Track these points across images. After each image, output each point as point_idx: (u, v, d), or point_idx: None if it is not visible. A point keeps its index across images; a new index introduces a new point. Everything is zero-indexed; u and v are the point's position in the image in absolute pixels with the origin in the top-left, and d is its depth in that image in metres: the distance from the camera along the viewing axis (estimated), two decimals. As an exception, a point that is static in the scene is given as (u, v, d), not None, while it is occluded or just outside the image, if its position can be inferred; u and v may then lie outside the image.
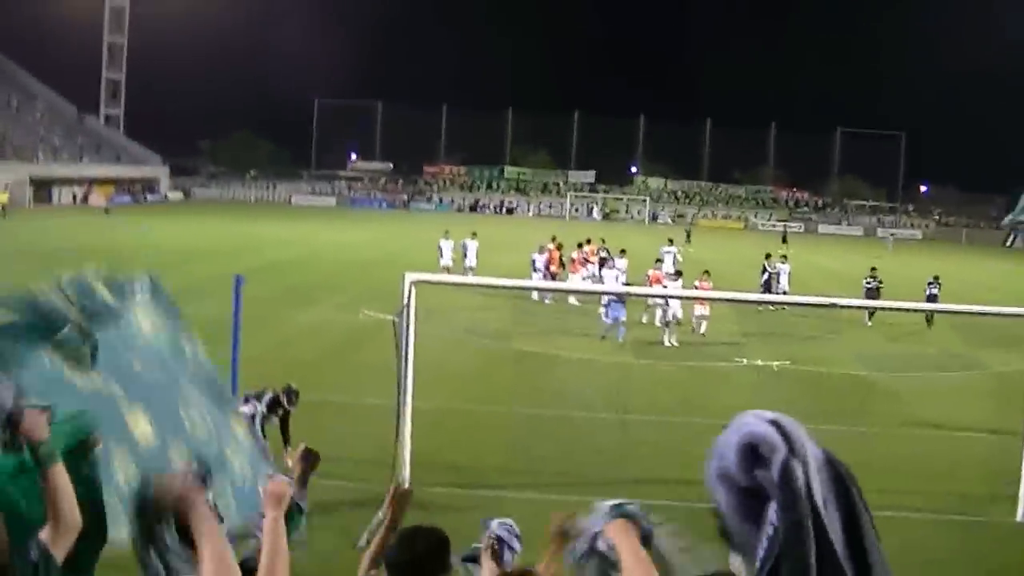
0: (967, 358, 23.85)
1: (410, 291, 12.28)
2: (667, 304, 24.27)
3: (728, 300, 24.29)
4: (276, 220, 66.50)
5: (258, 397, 12.08)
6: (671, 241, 35.54)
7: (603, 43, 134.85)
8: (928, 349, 25.45)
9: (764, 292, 30.17)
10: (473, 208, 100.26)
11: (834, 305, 26.10)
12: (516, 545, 4.36)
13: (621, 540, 2.83)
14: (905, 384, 20.59)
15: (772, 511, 1.85)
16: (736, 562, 2.13)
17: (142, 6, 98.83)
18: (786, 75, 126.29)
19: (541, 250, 32.69)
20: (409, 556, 3.85)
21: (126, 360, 3.97)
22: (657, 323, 25.65)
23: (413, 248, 44.58)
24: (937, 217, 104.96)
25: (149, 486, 2.99)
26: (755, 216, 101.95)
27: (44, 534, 3.08)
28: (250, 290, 29.46)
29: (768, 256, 33.43)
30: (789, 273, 32.41)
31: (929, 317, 28.46)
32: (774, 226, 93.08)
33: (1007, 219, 41.39)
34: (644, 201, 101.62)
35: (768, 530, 1.85)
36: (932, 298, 28.59)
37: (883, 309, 28.67)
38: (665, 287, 25.39)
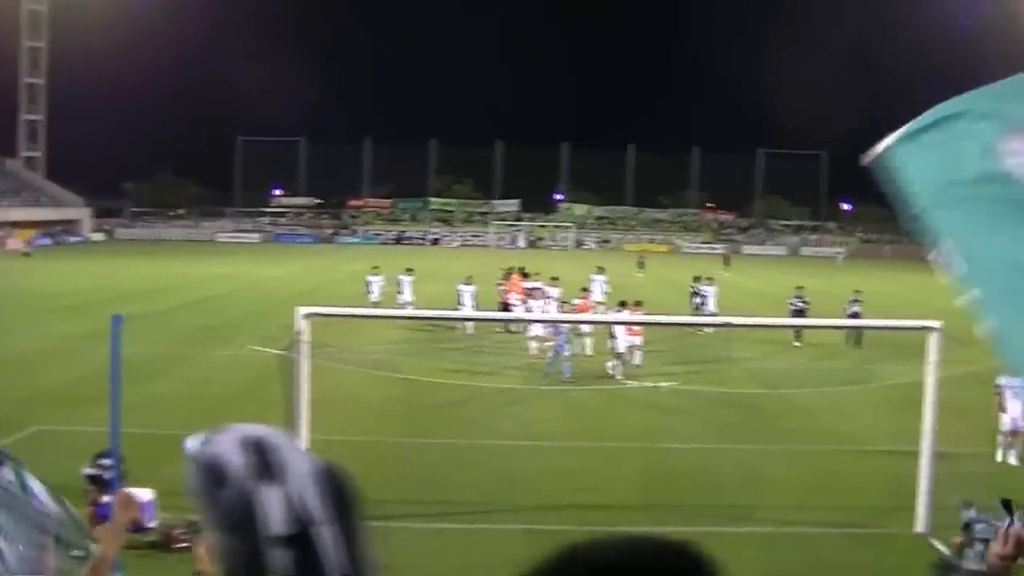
0: (882, 371, 23.68)
1: (303, 325, 12.57)
2: (613, 335, 23.83)
3: (659, 323, 24.04)
4: (199, 258, 65.50)
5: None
6: (600, 269, 35.03)
7: (525, 73, 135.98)
8: (844, 365, 25.67)
9: (696, 314, 30.15)
10: (398, 240, 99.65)
11: (759, 325, 26.17)
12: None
13: None
14: (821, 400, 21.07)
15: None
16: None
17: (60, 45, 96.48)
18: (707, 98, 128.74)
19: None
20: None
21: None
22: (588, 352, 25.40)
23: (337, 282, 44.01)
24: (860, 234, 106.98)
25: None
26: (680, 239, 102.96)
27: None
28: (170, 329, 29.41)
29: (697, 278, 33.43)
30: (715, 295, 32.50)
31: (857, 338, 28.60)
32: (698, 249, 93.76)
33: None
34: (568, 228, 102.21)
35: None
36: (854, 315, 28.01)
37: (807, 327, 28.79)
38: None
